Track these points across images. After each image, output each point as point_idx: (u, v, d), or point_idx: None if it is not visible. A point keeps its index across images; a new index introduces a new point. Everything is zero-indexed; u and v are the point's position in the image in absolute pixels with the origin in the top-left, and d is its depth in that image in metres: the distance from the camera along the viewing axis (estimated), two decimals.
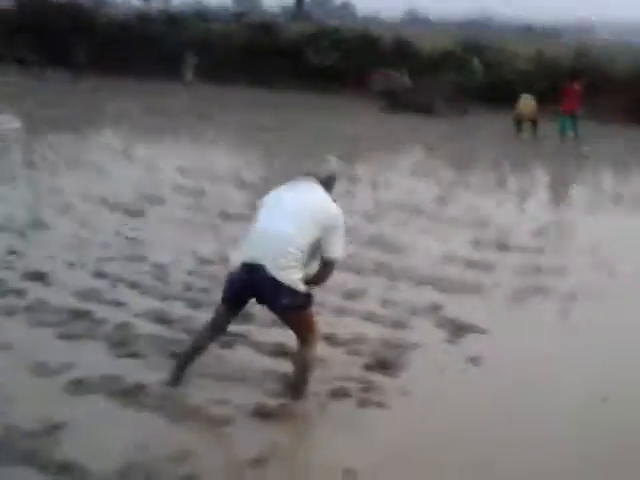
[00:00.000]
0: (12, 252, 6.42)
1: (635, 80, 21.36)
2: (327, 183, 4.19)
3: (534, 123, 16.33)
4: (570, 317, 5.68)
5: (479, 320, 5.40)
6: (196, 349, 4.25)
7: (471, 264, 6.80)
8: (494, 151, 14.58)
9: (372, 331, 5.13)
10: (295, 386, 4.18)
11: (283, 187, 4.24)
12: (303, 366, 4.16)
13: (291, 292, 3.89)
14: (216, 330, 4.27)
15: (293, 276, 3.89)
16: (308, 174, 4.17)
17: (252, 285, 3.98)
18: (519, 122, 16.54)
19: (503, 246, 7.51)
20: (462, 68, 22.38)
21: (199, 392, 4.13)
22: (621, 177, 12.66)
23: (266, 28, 26.59)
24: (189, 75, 21.96)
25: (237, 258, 4.09)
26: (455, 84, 21.26)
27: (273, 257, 3.87)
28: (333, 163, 4.31)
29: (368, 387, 4.31)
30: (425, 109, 20.25)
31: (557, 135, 15.67)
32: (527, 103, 16.43)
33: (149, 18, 30.54)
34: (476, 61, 22.74)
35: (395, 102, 20.77)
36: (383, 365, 4.60)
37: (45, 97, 18.61)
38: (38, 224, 7.35)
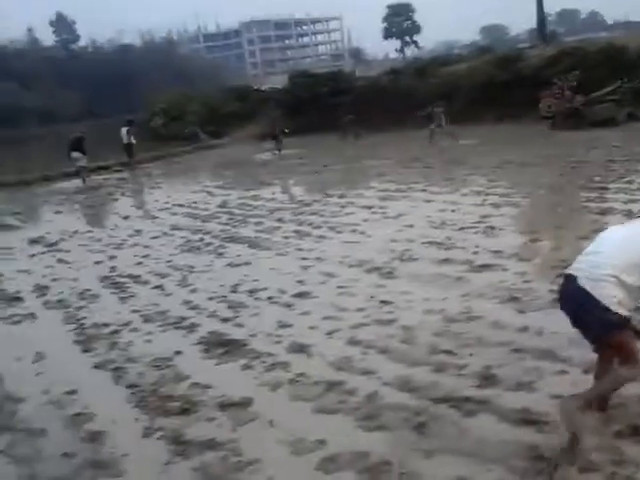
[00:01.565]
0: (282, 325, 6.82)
1: None
2: None
3: None
4: None
5: None
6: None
7: None
8: None
9: (624, 393, 4.56)
10: (592, 398, 3.91)
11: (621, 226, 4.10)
12: (611, 379, 3.85)
13: (602, 307, 3.53)
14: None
15: (607, 291, 3.53)
16: None
17: (566, 298, 3.77)
18: None
19: None
20: None
21: (441, 469, 3.98)
22: None
23: (505, 60, 25.83)
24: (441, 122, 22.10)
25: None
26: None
27: (588, 268, 3.63)
28: None
29: (620, 459, 3.82)
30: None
31: None
32: None
33: (399, 72, 31.42)
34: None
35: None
36: (636, 432, 4.05)
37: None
38: (303, 293, 7.74)
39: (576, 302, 3.65)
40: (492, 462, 3.97)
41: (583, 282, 3.60)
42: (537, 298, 6.54)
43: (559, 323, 5.41)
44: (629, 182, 11.58)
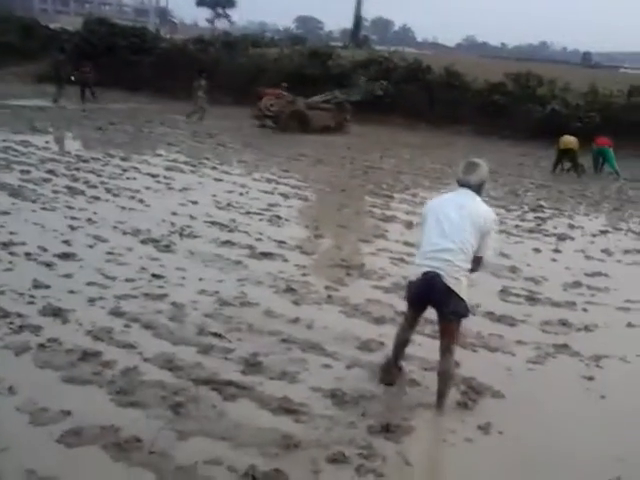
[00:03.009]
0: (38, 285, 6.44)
1: None
2: (479, 188, 4.79)
3: (575, 158, 16.86)
4: (596, 382, 5.40)
5: (496, 381, 5.19)
6: (401, 346, 5.06)
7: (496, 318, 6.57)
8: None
9: (381, 389, 4.96)
10: (443, 397, 4.72)
11: (445, 198, 4.83)
12: (449, 377, 4.74)
13: (460, 299, 4.58)
14: (411, 328, 5.07)
15: (462, 286, 4.59)
16: (464, 185, 4.72)
17: (430, 290, 4.61)
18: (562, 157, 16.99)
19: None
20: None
21: (193, 450, 4.03)
22: None
23: (316, 54, 26.69)
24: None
25: (416, 270, 4.72)
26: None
27: (446, 268, 4.52)
28: (483, 169, 4.74)
29: (369, 453, 4.14)
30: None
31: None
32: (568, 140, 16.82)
33: (208, 42, 31.13)
34: (362, 79, 23.77)
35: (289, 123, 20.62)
36: (387, 428, 4.41)
37: None
38: (67, 254, 7.38)
39: (442, 293, 4.57)
40: (247, 446, 4.10)
41: (446, 280, 4.55)
42: (313, 292, 6.84)
43: (329, 319, 5.77)
44: (413, 195, 12.53)
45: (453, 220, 4.61)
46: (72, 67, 24.04)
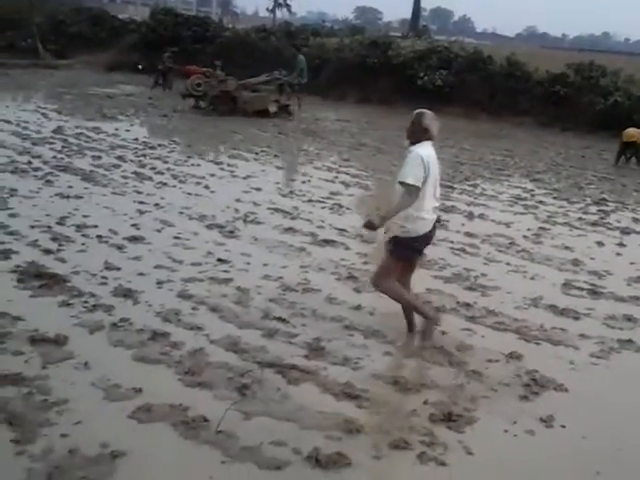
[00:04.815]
0: (109, 267, 6.60)
1: None
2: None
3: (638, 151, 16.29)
4: None
5: (559, 374, 5.10)
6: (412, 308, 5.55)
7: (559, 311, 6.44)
8: None
9: (443, 378, 4.93)
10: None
11: (431, 155, 5.23)
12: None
13: None
14: (407, 287, 5.55)
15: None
16: (431, 139, 5.28)
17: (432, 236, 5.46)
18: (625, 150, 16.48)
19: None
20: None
21: (258, 431, 4.08)
22: None
23: (376, 44, 26.48)
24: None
25: (422, 225, 5.20)
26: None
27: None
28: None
29: (431, 441, 4.13)
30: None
31: None
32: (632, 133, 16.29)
33: (270, 32, 31.22)
34: (301, 58, 21.93)
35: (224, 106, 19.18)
36: (449, 417, 4.39)
37: None
38: (136, 238, 7.54)
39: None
40: (310, 429, 4.13)
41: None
42: None
43: (391, 307, 5.75)
44: (474, 185, 12.36)
45: (437, 177, 5.25)
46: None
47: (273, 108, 19.73)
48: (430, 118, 5.28)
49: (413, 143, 5.26)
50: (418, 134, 5.24)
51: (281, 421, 4.20)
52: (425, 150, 5.19)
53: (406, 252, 5.32)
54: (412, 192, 5.05)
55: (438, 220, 5.52)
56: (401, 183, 5.09)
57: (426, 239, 5.34)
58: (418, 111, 5.40)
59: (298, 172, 12.11)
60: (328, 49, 27.67)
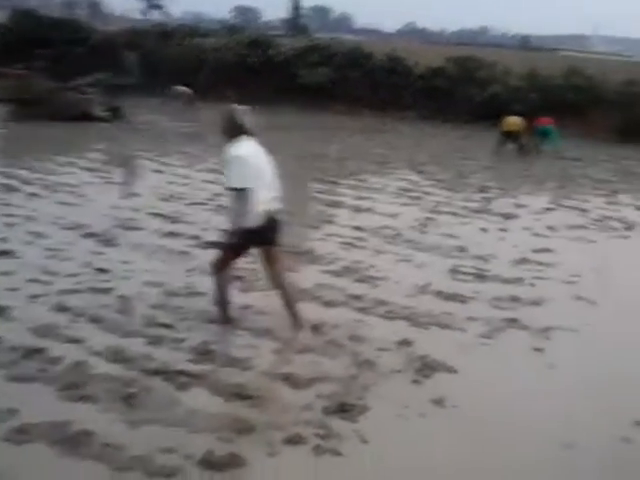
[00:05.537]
0: None
1: (627, 97, 21.55)
2: None
3: (518, 139, 17.26)
4: (545, 353, 5.56)
5: (449, 357, 5.29)
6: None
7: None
8: None
9: (335, 370, 5.01)
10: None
11: (247, 146, 5.31)
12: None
13: None
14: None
15: None
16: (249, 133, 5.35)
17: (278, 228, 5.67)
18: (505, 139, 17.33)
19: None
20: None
21: (148, 439, 4.01)
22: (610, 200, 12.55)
23: (257, 43, 26.57)
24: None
25: (257, 217, 5.29)
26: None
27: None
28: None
29: (325, 433, 4.19)
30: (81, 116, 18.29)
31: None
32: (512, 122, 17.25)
33: (142, 33, 30.63)
34: (132, 56, 22.26)
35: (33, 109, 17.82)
36: (342, 408, 4.46)
37: None
38: (6, 252, 7.22)
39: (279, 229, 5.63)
40: (202, 433, 4.10)
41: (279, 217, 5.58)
42: (261, 279, 6.82)
43: (279, 305, 5.78)
44: (360, 180, 12.61)
45: (268, 168, 5.47)
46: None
47: (97, 111, 18.92)
48: (243, 113, 5.38)
49: (230, 140, 5.37)
50: (233, 130, 5.36)
51: (171, 427, 4.15)
52: (243, 146, 5.30)
53: (241, 243, 5.43)
54: (242, 194, 5.18)
55: (279, 211, 5.63)
56: (229, 188, 5.25)
57: (265, 230, 5.42)
58: (228, 107, 5.49)
59: (178, 175, 11.95)
60: (206, 49, 27.49)
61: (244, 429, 4.16)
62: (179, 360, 5.02)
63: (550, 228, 9.75)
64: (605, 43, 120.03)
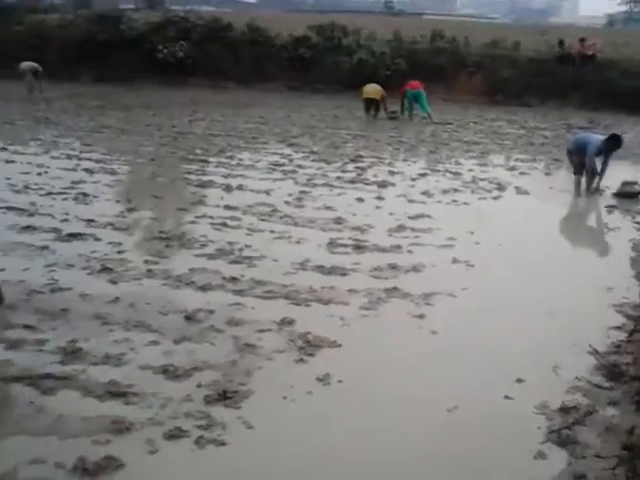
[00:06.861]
0: None
1: (491, 59, 22.50)
2: None
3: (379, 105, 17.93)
4: (427, 320, 5.71)
5: (332, 332, 5.34)
6: None
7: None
8: None
9: (215, 357, 4.94)
10: None
11: None
12: None
13: None
14: None
15: None
16: None
17: None
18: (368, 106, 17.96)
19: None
20: None
21: (12, 453, 3.80)
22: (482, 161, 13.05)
23: (104, 18, 25.66)
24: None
25: None
26: None
27: None
28: None
29: (208, 424, 4.12)
30: None
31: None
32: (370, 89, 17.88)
33: None
34: None
35: None
36: (225, 396, 4.41)
37: None
38: None
39: None
40: (74, 438, 3.93)
41: None
42: (131, 269, 6.65)
43: (152, 294, 5.65)
44: (230, 157, 12.49)
45: None
46: None
47: None
48: None
49: None
50: None
51: (38, 436, 3.96)
52: None
53: None
54: None
55: None
56: None
57: None
58: None
59: (32, 164, 11.38)
60: (49, 26, 26.28)
61: (120, 429, 4.03)
62: (44, 363, 4.79)
63: (425, 193, 10.02)
64: (471, 6, 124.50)
